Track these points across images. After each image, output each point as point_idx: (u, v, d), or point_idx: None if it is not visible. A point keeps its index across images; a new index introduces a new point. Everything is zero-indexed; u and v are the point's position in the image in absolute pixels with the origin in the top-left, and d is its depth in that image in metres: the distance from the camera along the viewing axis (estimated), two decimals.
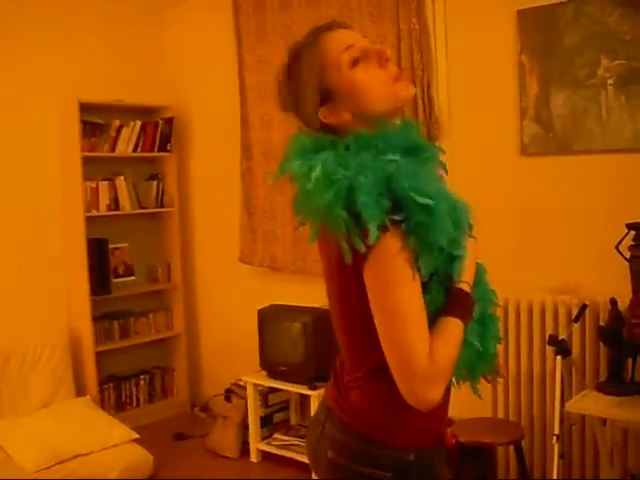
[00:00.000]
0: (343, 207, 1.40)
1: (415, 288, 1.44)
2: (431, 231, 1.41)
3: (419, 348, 1.42)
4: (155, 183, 5.20)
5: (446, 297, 1.52)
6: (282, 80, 1.63)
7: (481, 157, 3.82)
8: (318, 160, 1.46)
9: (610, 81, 3.35)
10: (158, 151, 5.14)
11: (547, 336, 3.34)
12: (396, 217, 1.40)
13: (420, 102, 3.90)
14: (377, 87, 1.54)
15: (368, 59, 1.54)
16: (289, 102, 1.62)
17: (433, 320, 1.48)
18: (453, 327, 1.49)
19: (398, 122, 1.59)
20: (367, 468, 1.58)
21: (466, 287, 1.55)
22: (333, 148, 1.49)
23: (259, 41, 4.69)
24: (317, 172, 1.44)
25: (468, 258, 1.57)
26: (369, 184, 1.39)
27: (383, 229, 1.39)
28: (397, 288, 1.43)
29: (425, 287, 1.48)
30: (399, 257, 1.41)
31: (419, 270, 1.44)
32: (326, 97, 1.55)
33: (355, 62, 1.53)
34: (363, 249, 1.41)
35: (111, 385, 5.01)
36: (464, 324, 1.51)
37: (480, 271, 1.66)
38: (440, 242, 1.42)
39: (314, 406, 4.03)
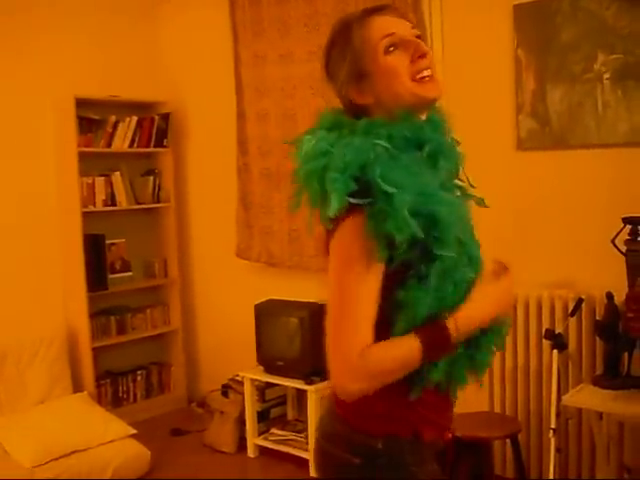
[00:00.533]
0: (317, 182, 1.43)
1: (368, 278, 1.42)
2: (388, 219, 1.38)
3: (351, 338, 1.42)
4: (151, 178, 5.20)
5: (429, 297, 1.46)
6: (326, 48, 1.63)
7: (477, 152, 3.80)
8: (319, 136, 1.50)
9: (606, 76, 3.35)
10: (154, 146, 5.13)
11: (544, 330, 3.35)
12: (356, 200, 1.39)
13: None
14: (401, 79, 1.54)
15: (405, 49, 1.54)
16: (327, 70, 1.64)
17: (407, 319, 1.46)
18: (408, 346, 1.44)
19: (423, 117, 1.59)
20: (341, 452, 1.59)
21: (451, 323, 1.47)
22: (341, 128, 1.53)
23: (255, 36, 4.69)
24: (308, 146, 1.49)
25: (476, 293, 1.52)
26: (343, 164, 1.40)
27: (344, 212, 1.39)
28: (345, 274, 1.43)
29: (399, 280, 1.46)
30: (355, 243, 1.41)
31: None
32: (358, 76, 1.56)
33: (390, 49, 1.54)
34: (329, 226, 1.43)
35: (108, 381, 5.01)
36: (425, 354, 1.44)
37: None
38: (395, 233, 1.38)
39: (311, 401, 4.04)
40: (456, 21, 3.85)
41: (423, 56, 1.55)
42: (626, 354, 3.01)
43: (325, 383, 4.04)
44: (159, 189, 5.23)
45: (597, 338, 3.26)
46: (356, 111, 1.58)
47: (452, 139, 1.68)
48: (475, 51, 3.79)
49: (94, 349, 4.76)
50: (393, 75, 1.53)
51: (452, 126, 1.68)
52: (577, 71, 3.42)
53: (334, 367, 1.44)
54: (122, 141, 4.96)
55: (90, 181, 4.81)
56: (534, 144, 3.62)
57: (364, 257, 1.40)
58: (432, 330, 1.46)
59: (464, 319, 1.49)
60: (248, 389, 4.38)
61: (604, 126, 3.38)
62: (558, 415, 3.16)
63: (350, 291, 1.42)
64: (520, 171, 3.68)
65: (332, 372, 1.44)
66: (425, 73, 1.54)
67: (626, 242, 2.96)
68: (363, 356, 1.40)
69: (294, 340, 4.18)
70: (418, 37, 1.57)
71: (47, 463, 3.77)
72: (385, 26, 1.55)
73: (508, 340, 3.64)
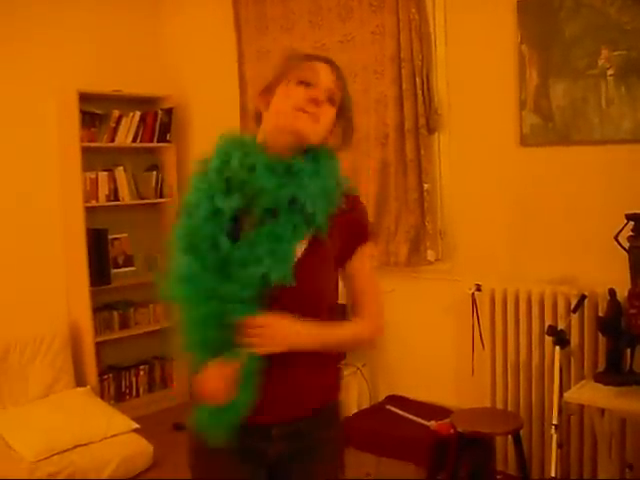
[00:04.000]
0: None
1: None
2: None
3: None
4: (154, 173, 5.20)
5: None
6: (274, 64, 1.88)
7: (481, 147, 3.82)
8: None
9: (610, 72, 3.34)
10: (157, 141, 5.14)
11: (546, 326, 3.35)
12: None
13: (419, 93, 3.89)
14: (285, 102, 1.76)
15: (311, 90, 1.75)
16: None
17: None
18: None
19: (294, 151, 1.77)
20: None
21: None
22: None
23: (259, 32, 4.68)
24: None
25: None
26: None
27: None
28: None
29: None
30: None
31: None
32: (268, 88, 1.82)
33: (302, 82, 1.76)
34: None
35: (111, 375, 5.03)
36: None
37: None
38: None
39: None
40: (460, 16, 3.84)
41: (313, 100, 1.74)
42: (628, 350, 3.01)
43: None
44: (162, 184, 5.24)
45: (599, 334, 3.26)
46: (255, 117, 1.87)
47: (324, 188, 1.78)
48: (479, 46, 3.78)
49: (97, 344, 4.78)
50: (284, 98, 1.77)
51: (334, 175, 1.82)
52: (581, 67, 3.42)
53: None
54: (125, 136, 4.97)
55: (93, 176, 4.82)
56: (537, 140, 3.61)
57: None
58: None
59: None
60: None
61: (607, 122, 3.38)
62: (560, 411, 3.17)
63: None
64: (523, 167, 3.68)
65: None
66: (306, 108, 1.73)
67: (629, 239, 2.96)
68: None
69: None
70: (330, 98, 1.78)
71: (50, 457, 3.78)
72: (316, 66, 1.79)
73: (510, 336, 3.64)
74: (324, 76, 1.77)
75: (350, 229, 1.84)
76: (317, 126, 1.75)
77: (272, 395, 1.77)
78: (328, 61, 1.83)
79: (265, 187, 1.70)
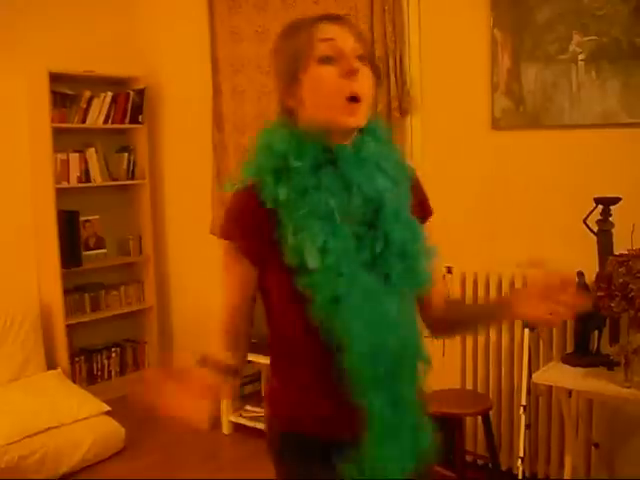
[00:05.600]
0: None
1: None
2: None
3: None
4: (126, 155, 5.16)
5: None
6: (274, 46, 1.62)
7: (452, 130, 3.83)
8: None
9: (581, 57, 3.36)
10: (129, 123, 5.09)
11: None
12: None
13: (392, 75, 3.89)
14: (323, 95, 1.51)
15: (339, 62, 1.49)
16: (275, 68, 1.63)
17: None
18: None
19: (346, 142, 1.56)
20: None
21: None
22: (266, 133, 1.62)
23: (231, 11, 4.64)
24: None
25: None
26: None
27: None
28: None
29: None
30: None
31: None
32: (292, 79, 1.54)
33: (325, 59, 1.50)
34: None
35: (82, 358, 5.00)
36: None
37: None
38: None
39: None
40: (433, 0, 3.84)
41: (352, 73, 1.48)
42: (596, 332, 3.05)
43: None
44: (134, 166, 5.20)
45: None
46: (287, 112, 1.60)
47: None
48: (451, 29, 3.78)
49: (68, 326, 4.75)
50: (318, 86, 1.51)
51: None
52: (552, 51, 3.44)
53: None
54: (97, 117, 4.92)
55: (64, 157, 4.77)
56: (508, 123, 3.63)
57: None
58: None
59: None
60: None
61: (578, 107, 3.40)
62: (528, 392, 3.21)
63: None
64: (494, 150, 3.70)
65: None
66: (350, 94, 1.49)
67: (597, 222, 3.00)
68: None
69: None
70: (361, 56, 1.51)
71: (21, 440, 3.77)
72: (326, 32, 1.51)
73: None
74: (343, 40, 1.51)
75: (419, 203, 1.80)
76: (366, 106, 1.51)
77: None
78: (335, 18, 1.56)
79: (356, 182, 1.54)
